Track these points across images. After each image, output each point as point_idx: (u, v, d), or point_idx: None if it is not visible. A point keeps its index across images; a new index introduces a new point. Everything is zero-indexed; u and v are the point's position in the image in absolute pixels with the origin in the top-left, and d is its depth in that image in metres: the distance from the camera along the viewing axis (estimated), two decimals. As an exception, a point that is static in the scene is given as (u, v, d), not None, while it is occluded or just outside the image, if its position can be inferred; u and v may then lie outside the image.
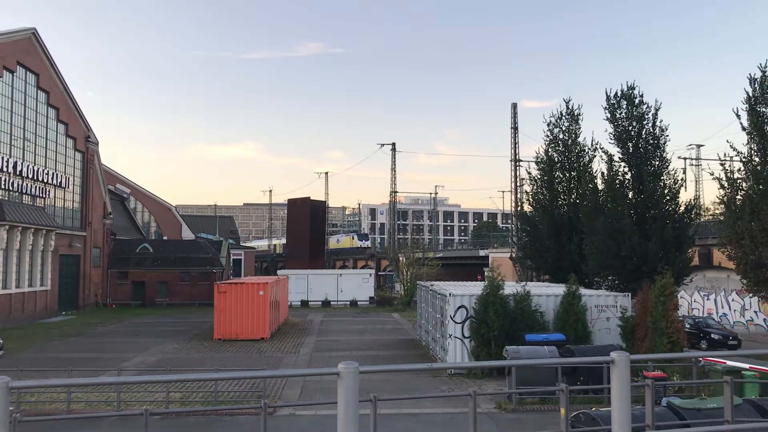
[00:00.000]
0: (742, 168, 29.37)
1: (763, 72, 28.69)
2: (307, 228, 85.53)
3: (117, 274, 61.95)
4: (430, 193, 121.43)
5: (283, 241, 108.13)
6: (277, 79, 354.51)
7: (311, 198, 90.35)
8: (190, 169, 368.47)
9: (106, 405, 19.63)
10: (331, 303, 62.12)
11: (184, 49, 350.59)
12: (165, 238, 78.74)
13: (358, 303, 62.58)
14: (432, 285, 33.70)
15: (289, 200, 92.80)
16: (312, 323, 45.56)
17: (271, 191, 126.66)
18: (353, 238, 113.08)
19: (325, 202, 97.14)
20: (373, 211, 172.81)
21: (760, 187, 28.11)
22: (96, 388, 20.78)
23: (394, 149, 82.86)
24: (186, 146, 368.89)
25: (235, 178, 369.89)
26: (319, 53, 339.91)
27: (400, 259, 68.25)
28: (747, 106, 28.83)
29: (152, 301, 61.10)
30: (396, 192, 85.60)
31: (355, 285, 64.61)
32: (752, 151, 28.72)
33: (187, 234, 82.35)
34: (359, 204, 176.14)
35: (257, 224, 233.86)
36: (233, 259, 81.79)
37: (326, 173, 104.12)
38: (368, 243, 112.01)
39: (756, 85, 28.64)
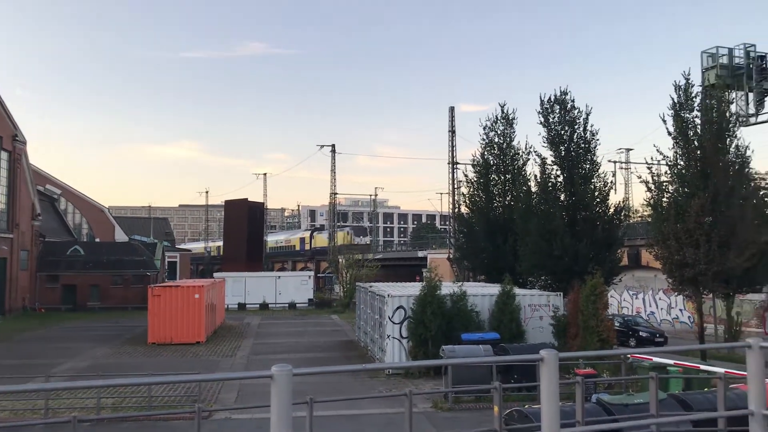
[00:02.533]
0: (668, 171, 30.55)
1: (687, 80, 29.90)
2: (245, 230, 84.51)
3: (46, 278, 59.78)
4: (370, 195, 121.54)
5: (220, 243, 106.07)
6: (216, 79, 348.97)
7: (249, 199, 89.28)
8: (125, 170, 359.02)
9: (33, 413, 18.97)
10: (270, 306, 61.53)
11: (117, 46, 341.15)
12: (97, 240, 76.57)
13: (297, 305, 62.15)
14: (371, 286, 33.83)
15: (226, 201, 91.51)
16: (249, 326, 45.07)
17: (207, 192, 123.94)
18: (348, 234, 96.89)
19: (263, 203, 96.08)
20: (312, 213, 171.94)
21: (685, 189, 29.27)
22: (22, 395, 20.05)
23: (333, 151, 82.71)
24: (121, 146, 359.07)
25: (171, 179, 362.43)
26: (260, 54, 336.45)
27: (340, 260, 68.15)
28: (672, 112, 29.98)
29: (84, 305, 59.21)
30: (336, 193, 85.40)
31: (294, 287, 64.19)
32: (677, 155, 29.89)
33: (120, 236, 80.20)
34: (299, 205, 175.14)
35: (193, 226, 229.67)
36: (168, 261, 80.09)
37: (264, 174, 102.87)
38: (369, 239, 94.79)
39: (680, 92, 29.81)
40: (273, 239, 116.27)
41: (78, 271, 60.40)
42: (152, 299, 35.72)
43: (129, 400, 20.64)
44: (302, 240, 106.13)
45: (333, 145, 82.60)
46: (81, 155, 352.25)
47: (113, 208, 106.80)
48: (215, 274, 66.26)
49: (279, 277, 67.14)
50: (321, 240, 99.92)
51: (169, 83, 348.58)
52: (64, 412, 18.36)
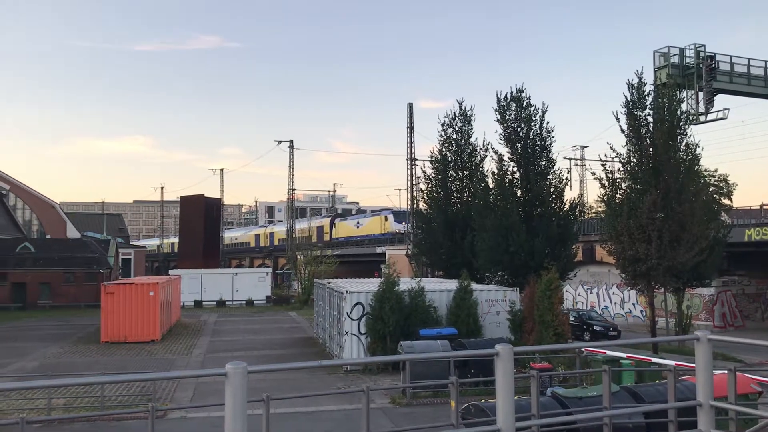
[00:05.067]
0: (621, 168, 31.11)
1: (639, 78, 30.45)
2: (201, 226, 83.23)
3: (-6, 276, 58.18)
4: (329, 191, 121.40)
5: (176, 240, 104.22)
6: (169, 73, 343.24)
7: (205, 195, 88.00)
8: (77, 165, 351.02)
9: (-20, 415, 18.41)
10: (226, 303, 60.92)
11: (69, 39, 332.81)
12: (48, 236, 74.76)
13: (255, 302, 61.69)
14: (329, 282, 33.74)
15: (182, 197, 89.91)
16: (206, 324, 44.54)
17: (162, 188, 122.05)
18: (386, 219, 79.82)
19: (220, 199, 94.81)
20: (270, 209, 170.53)
21: (637, 186, 29.83)
22: (-31, 397, 19.45)
23: (291, 146, 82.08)
24: (72, 141, 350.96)
25: (125, 174, 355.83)
26: (215, 47, 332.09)
27: (298, 257, 67.75)
28: (625, 110, 30.51)
29: (34, 303, 57.80)
30: (294, 189, 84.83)
31: (251, 284, 63.66)
32: (630, 153, 30.43)
33: (72, 233, 78.37)
34: (256, 201, 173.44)
35: (148, 222, 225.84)
36: (122, 258, 78.68)
37: (221, 170, 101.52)
38: (408, 227, 73.84)
39: (633, 91, 30.34)
40: (281, 229, 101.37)
41: (28, 268, 58.92)
42: (105, 297, 35.05)
43: (81, 400, 20.17)
44: (320, 229, 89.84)
45: (291, 141, 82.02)
46: (31, 150, 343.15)
47: (65, 204, 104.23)
48: (171, 271, 65.23)
49: (236, 274, 66.50)
50: (345, 228, 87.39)
51: (121, 77, 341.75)
52: (12, 413, 17.86)
